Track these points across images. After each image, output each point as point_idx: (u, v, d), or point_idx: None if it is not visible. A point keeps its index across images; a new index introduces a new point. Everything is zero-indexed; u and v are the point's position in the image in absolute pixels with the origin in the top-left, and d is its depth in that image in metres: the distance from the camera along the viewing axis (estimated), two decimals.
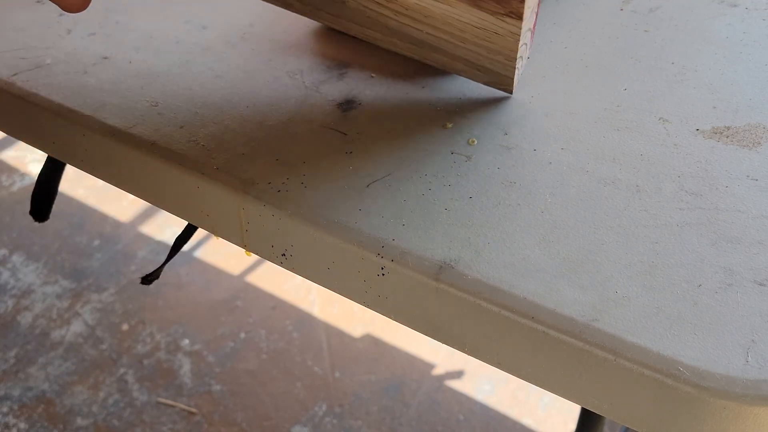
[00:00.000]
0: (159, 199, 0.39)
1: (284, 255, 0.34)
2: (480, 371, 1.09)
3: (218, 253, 1.29)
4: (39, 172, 0.55)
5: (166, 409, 1.05)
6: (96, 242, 1.33)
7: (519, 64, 0.36)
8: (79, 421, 1.04)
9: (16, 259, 1.30)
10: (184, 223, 0.45)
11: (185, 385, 1.09)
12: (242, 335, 1.16)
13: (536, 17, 0.36)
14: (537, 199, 0.33)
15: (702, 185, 0.34)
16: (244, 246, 0.36)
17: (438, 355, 1.11)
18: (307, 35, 0.45)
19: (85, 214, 1.39)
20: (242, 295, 1.22)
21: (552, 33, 0.45)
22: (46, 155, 0.52)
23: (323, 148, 0.36)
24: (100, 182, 1.46)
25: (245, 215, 0.35)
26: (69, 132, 0.40)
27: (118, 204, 1.41)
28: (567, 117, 0.38)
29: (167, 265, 0.48)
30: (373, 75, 0.42)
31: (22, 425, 1.04)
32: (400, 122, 0.38)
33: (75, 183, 1.45)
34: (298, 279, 1.23)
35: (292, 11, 0.38)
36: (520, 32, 0.32)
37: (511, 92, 0.39)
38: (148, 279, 0.48)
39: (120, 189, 0.41)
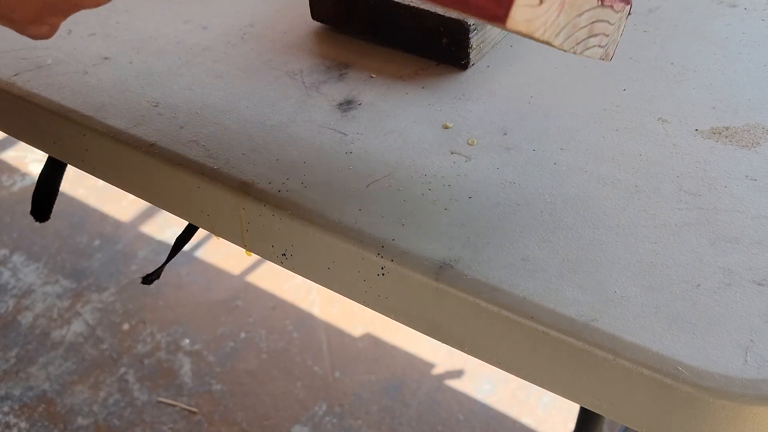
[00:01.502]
0: (159, 199, 0.39)
1: (284, 255, 0.34)
2: (480, 371, 1.09)
3: (218, 253, 1.29)
4: (40, 172, 0.55)
5: (166, 409, 1.06)
6: (96, 242, 1.33)
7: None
8: (80, 421, 1.04)
9: (17, 259, 1.30)
10: (184, 223, 0.45)
11: (185, 384, 1.09)
12: (242, 335, 1.16)
13: None
14: (536, 199, 0.33)
15: (701, 185, 0.34)
16: (244, 246, 0.36)
17: (438, 354, 1.11)
18: (308, 36, 0.46)
19: (86, 214, 1.39)
20: (242, 295, 1.22)
21: None
22: (47, 155, 0.52)
23: (323, 149, 0.36)
24: (101, 182, 1.45)
25: (245, 215, 0.35)
26: (69, 132, 0.40)
27: (118, 204, 1.41)
28: (566, 117, 0.38)
29: (168, 265, 0.48)
30: (372, 75, 0.42)
31: (22, 425, 1.04)
32: (400, 122, 0.38)
33: (75, 183, 1.46)
34: (298, 279, 1.23)
35: None
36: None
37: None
38: (148, 279, 0.48)
39: (120, 189, 0.41)
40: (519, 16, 0.24)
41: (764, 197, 0.33)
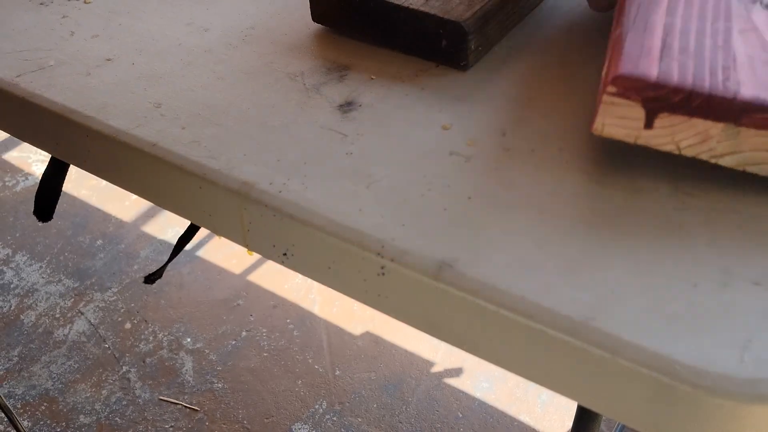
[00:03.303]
0: (161, 199, 0.39)
1: (285, 254, 0.35)
2: (478, 369, 1.09)
3: (220, 252, 1.30)
4: (43, 172, 0.55)
5: (168, 407, 1.06)
6: (99, 242, 1.33)
7: None
8: (82, 419, 1.05)
9: (20, 258, 1.31)
10: (186, 223, 0.46)
11: (187, 383, 1.09)
12: (243, 334, 1.16)
13: None
14: (535, 199, 0.33)
15: (700, 185, 0.34)
16: (245, 245, 0.36)
17: (437, 353, 1.11)
18: (308, 37, 0.46)
19: (88, 213, 1.40)
20: (243, 294, 1.23)
21: (551, 34, 0.45)
22: (50, 156, 0.52)
23: (324, 149, 0.37)
24: (103, 182, 1.46)
25: (247, 215, 0.35)
26: (72, 133, 0.40)
27: (120, 204, 1.41)
28: (565, 118, 0.38)
29: (170, 264, 0.48)
30: (373, 77, 0.42)
31: (25, 423, 1.05)
32: (400, 123, 0.38)
33: (78, 183, 1.46)
34: (299, 278, 1.24)
35: None
36: None
37: None
38: (150, 278, 0.48)
39: (122, 189, 0.41)
40: (607, 128, 0.32)
41: (762, 197, 0.33)
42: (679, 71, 0.31)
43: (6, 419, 1.05)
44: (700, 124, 0.31)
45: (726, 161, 0.32)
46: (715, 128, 0.31)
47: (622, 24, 0.35)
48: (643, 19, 0.34)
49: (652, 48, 0.32)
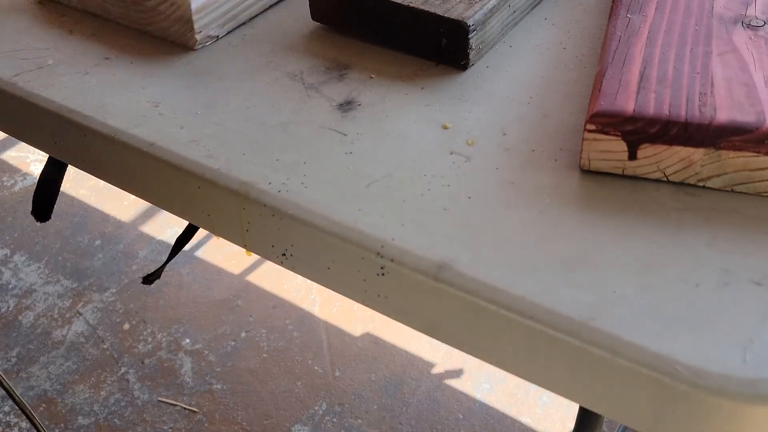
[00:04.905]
0: (160, 199, 0.39)
1: (284, 255, 0.35)
2: (479, 370, 1.09)
3: (219, 252, 1.29)
4: (41, 172, 0.55)
5: (167, 408, 1.06)
6: (97, 242, 1.33)
7: None
8: (81, 420, 1.05)
9: (18, 258, 1.31)
10: (185, 223, 0.46)
11: (186, 384, 1.09)
12: (243, 334, 1.16)
13: None
14: (535, 199, 0.33)
15: (697, 186, 0.34)
16: (244, 246, 0.36)
17: (437, 353, 1.11)
18: (308, 36, 0.46)
19: (87, 214, 1.40)
20: (243, 294, 1.22)
21: (550, 33, 0.45)
22: (48, 155, 0.52)
23: (323, 149, 0.37)
24: (102, 182, 1.46)
25: (246, 215, 0.35)
26: (70, 132, 0.40)
27: (119, 204, 1.41)
28: (565, 118, 0.38)
29: (168, 264, 0.48)
30: (372, 76, 0.42)
31: (23, 424, 1.05)
32: (400, 123, 0.38)
33: (76, 183, 1.46)
34: (299, 278, 1.24)
35: None
36: None
37: None
38: (149, 278, 0.48)
39: (121, 189, 0.41)
40: (593, 162, 0.33)
41: (761, 198, 0.33)
42: (655, 102, 0.32)
43: (5, 419, 1.05)
44: (681, 151, 0.32)
45: (713, 183, 0.33)
46: (696, 154, 0.32)
47: (603, 60, 0.36)
48: (623, 52, 0.36)
49: (630, 82, 0.34)
